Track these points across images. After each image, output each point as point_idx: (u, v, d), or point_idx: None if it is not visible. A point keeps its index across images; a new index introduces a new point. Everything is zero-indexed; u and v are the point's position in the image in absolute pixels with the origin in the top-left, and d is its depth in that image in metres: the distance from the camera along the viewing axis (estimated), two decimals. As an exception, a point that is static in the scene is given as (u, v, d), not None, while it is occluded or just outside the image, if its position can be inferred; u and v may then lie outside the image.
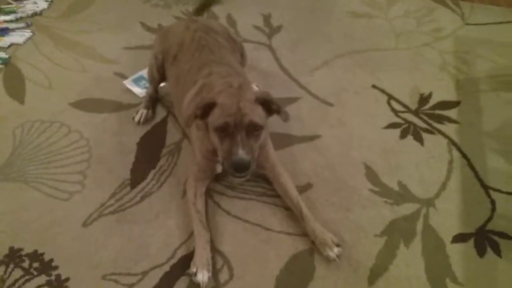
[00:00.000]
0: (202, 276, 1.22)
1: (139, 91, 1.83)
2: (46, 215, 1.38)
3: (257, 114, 1.23)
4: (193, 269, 1.23)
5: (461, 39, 2.07)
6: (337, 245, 1.29)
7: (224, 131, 1.21)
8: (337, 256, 1.27)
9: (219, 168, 1.39)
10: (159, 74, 1.67)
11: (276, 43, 2.07)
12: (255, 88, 1.78)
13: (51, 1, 2.37)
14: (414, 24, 2.17)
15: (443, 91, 1.81)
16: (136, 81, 1.87)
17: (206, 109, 1.24)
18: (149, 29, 2.16)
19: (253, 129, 1.22)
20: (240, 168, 1.19)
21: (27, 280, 1.23)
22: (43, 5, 2.33)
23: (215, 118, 1.22)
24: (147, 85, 1.79)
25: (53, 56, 2.00)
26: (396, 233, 1.34)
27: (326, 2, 2.34)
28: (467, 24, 2.16)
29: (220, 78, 1.39)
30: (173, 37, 1.62)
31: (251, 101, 1.23)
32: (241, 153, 1.18)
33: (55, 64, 1.95)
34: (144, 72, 1.87)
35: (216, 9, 2.29)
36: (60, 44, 2.07)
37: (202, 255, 1.26)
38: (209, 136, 1.29)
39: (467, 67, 1.92)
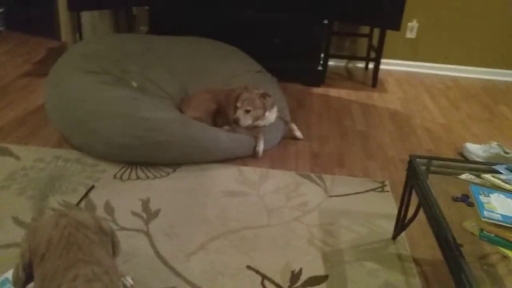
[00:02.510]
0: None
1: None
2: None
3: None
4: None
5: (326, 211, 2.27)
6: None
7: None
8: None
9: None
10: (25, 274, 1.58)
11: (153, 229, 2.10)
12: (130, 281, 1.75)
13: None
14: (284, 200, 2.36)
15: (312, 266, 1.92)
16: (1, 285, 1.75)
17: None
18: (21, 224, 2.10)
19: None
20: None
21: None
22: None
23: None
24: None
25: None
26: None
27: (204, 183, 2.49)
28: (330, 196, 2.40)
29: (84, 283, 1.36)
30: (41, 234, 1.58)
31: None
32: None
33: None
34: (10, 275, 1.77)
35: (94, 196, 2.32)
36: None
37: None
38: None
39: (332, 239, 2.08)
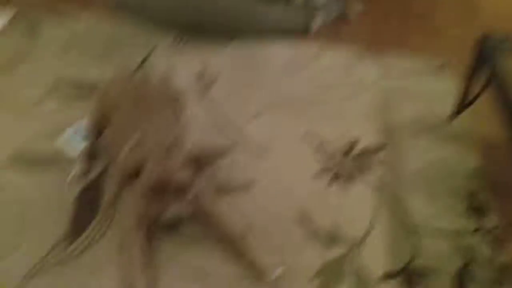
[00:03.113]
0: None
1: (75, 145, 1.83)
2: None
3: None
4: None
5: (383, 89, 2.24)
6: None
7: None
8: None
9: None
10: (96, 131, 1.72)
11: (213, 93, 2.15)
12: (189, 143, 1.83)
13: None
14: (340, 76, 2.33)
15: (369, 137, 1.97)
16: (72, 136, 1.88)
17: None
18: (84, 85, 2.18)
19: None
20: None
21: None
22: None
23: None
24: (82, 140, 1.81)
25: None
26: (327, 276, 1.41)
27: (259, 56, 2.47)
28: (388, 73, 2.35)
29: (154, 134, 1.44)
30: (110, 94, 1.68)
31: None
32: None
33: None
34: (79, 126, 1.89)
35: (152, 63, 2.36)
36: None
37: None
38: None
39: (389, 115, 2.09)
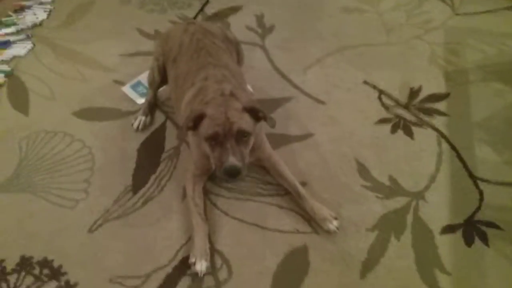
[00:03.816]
0: (201, 265, 1.31)
1: (137, 97, 1.89)
2: (54, 223, 1.46)
3: (244, 121, 1.30)
4: (192, 259, 1.31)
5: (451, 30, 2.10)
6: (335, 218, 1.40)
7: (215, 139, 1.29)
8: (337, 228, 1.38)
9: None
10: (160, 76, 1.74)
11: (269, 43, 2.12)
12: (250, 89, 1.83)
13: (50, 11, 2.43)
14: (404, 17, 2.20)
15: (432, 84, 1.86)
16: (134, 87, 1.93)
17: (197, 121, 1.31)
18: (145, 35, 2.21)
19: (242, 136, 1.29)
20: (232, 173, 1.26)
21: (39, 287, 1.30)
22: (42, 15, 2.39)
23: (205, 128, 1.29)
24: (145, 90, 1.86)
25: (54, 66, 2.06)
26: (387, 226, 1.40)
27: (318, -2, 2.38)
28: (457, 14, 2.20)
29: (215, 83, 1.45)
30: (173, 39, 1.69)
31: (238, 110, 1.30)
32: (232, 160, 1.25)
33: (57, 75, 2.02)
34: (142, 78, 1.94)
35: (208, 10, 2.34)
36: (60, 54, 2.13)
37: (200, 245, 1.34)
38: (201, 144, 1.35)
39: (457, 58, 1.96)
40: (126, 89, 1.93)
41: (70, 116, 1.82)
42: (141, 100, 1.87)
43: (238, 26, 2.23)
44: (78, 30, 2.28)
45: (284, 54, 2.05)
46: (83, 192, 1.55)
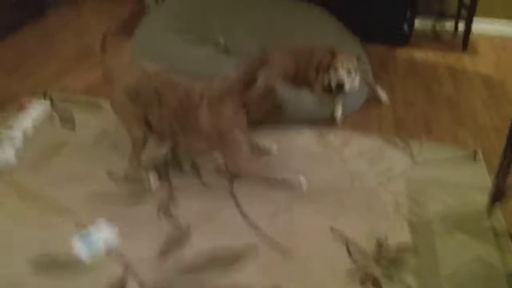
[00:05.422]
0: None
1: (85, 250, 1.80)
2: None
3: None
4: None
5: (412, 179, 2.18)
6: None
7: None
8: None
9: None
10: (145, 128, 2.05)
11: (237, 189, 2.14)
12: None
13: (20, 152, 2.43)
14: (367, 165, 2.29)
15: (399, 234, 1.87)
16: (83, 239, 1.84)
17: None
18: (114, 178, 2.21)
19: None
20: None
21: None
22: (11, 157, 2.39)
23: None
24: (95, 244, 1.81)
25: (16, 213, 2.01)
26: None
27: (285, 144, 2.47)
28: (417, 163, 2.30)
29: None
30: (145, 87, 1.99)
31: None
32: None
33: (16, 220, 1.96)
34: (96, 229, 1.89)
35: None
36: (24, 198, 2.09)
37: None
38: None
39: (420, 209, 2.01)
40: (76, 240, 1.84)
41: (27, 271, 1.73)
42: (86, 255, 1.78)
43: (208, 166, 2.27)
44: (47, 173, 2.26)
45: (251, 199, 2.06)
46: None
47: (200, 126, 1.95)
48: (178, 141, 2.09)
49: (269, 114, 2.00)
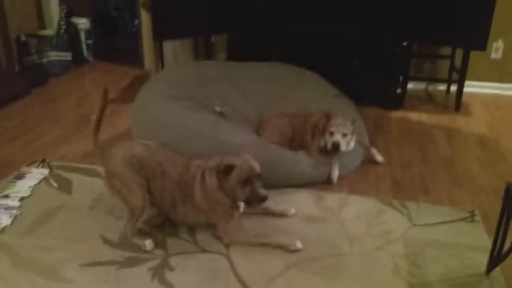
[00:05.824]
0: None
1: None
2: None
3: None
4: None
5: (411, 241, 2.16)
6: None
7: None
8: None
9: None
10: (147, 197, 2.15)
11: (233, 252, 2.11)
12: None
13: (15, 216, 2.42)
14: (365, 227, 2.27)
15: (399, 299, 1.82)
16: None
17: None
18: (108, 242, 2.19)
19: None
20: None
21: None
22: (6, 221, 2.38)
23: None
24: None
25: (8, 277, 1.97)
26: None
27: (285, 201, 2.46)
28: (415, 225, 2.28)
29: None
30: (148, 159, 2.17)
31: None
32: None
33: (10, 287, 1.92)
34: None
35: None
36: (17, 263, 2.06)
37: None
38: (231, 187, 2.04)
39: (419, 271, 1.97)
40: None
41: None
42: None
43: (205, 231, 2.24)
44: (41, 237, 2.24)
45: (248, 264, 2.03)
46: None
47: (195, 198, 2.14)
48: (176, 211, 2.22)
49: (249, 203, 2.10)
